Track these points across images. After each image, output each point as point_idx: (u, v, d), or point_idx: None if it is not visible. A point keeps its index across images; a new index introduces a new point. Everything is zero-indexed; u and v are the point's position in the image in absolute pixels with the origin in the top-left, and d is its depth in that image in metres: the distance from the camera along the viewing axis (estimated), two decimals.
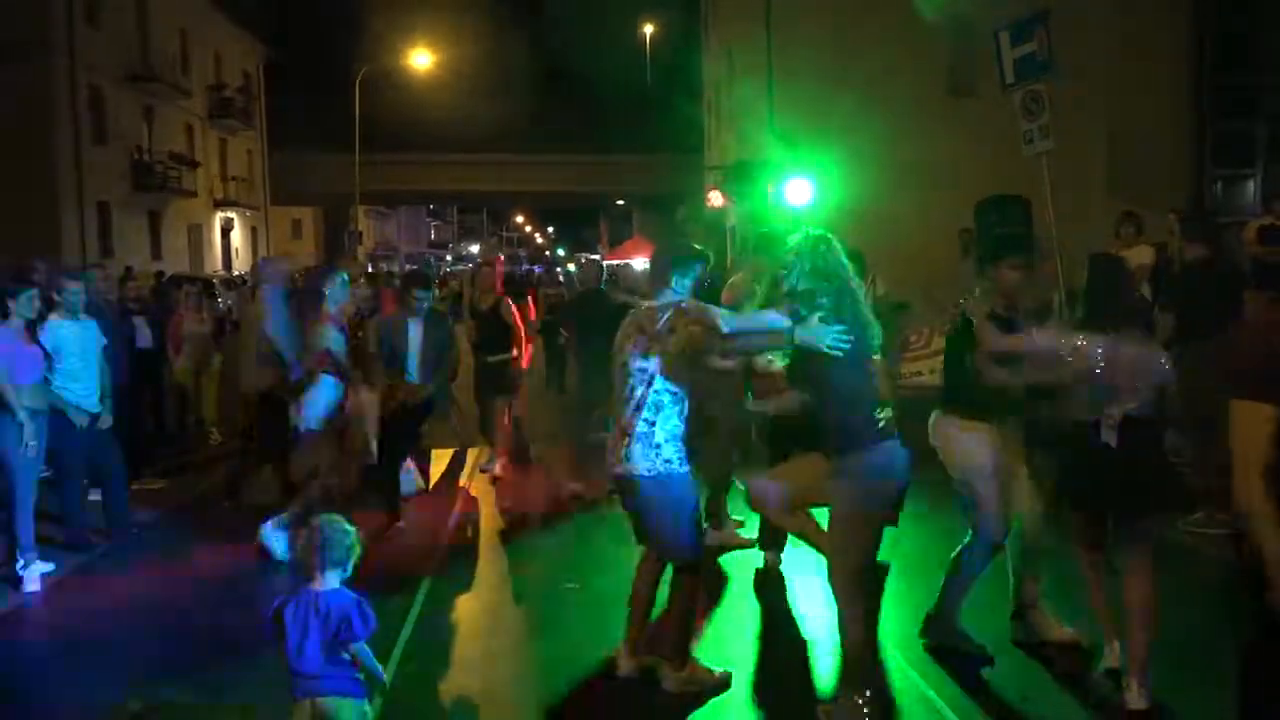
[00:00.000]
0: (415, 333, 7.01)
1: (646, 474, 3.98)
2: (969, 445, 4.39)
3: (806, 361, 3.73)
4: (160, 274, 16.97)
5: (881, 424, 3.70)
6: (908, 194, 15.84)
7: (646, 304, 4.19)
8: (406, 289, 7.49)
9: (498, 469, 8.40)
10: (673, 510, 4.06)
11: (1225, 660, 4.46)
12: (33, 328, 6.09)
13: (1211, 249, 6.43)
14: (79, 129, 24.65)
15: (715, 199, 14.01)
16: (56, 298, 6.32)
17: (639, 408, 3.99)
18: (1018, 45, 9.16)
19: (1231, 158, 18.10)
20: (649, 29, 42.33)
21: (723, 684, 4.24)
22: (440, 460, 8.68)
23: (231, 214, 35.48)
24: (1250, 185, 18.11)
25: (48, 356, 6.10)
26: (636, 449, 3.97)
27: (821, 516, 4.11)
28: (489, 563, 6.26)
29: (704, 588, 4.57)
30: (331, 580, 3.13)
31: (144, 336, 9.33)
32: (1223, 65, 17.71)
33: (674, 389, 4.02)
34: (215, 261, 32.73)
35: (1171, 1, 17.53)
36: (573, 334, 8.81)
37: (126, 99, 27.39)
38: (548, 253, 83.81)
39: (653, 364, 3.99)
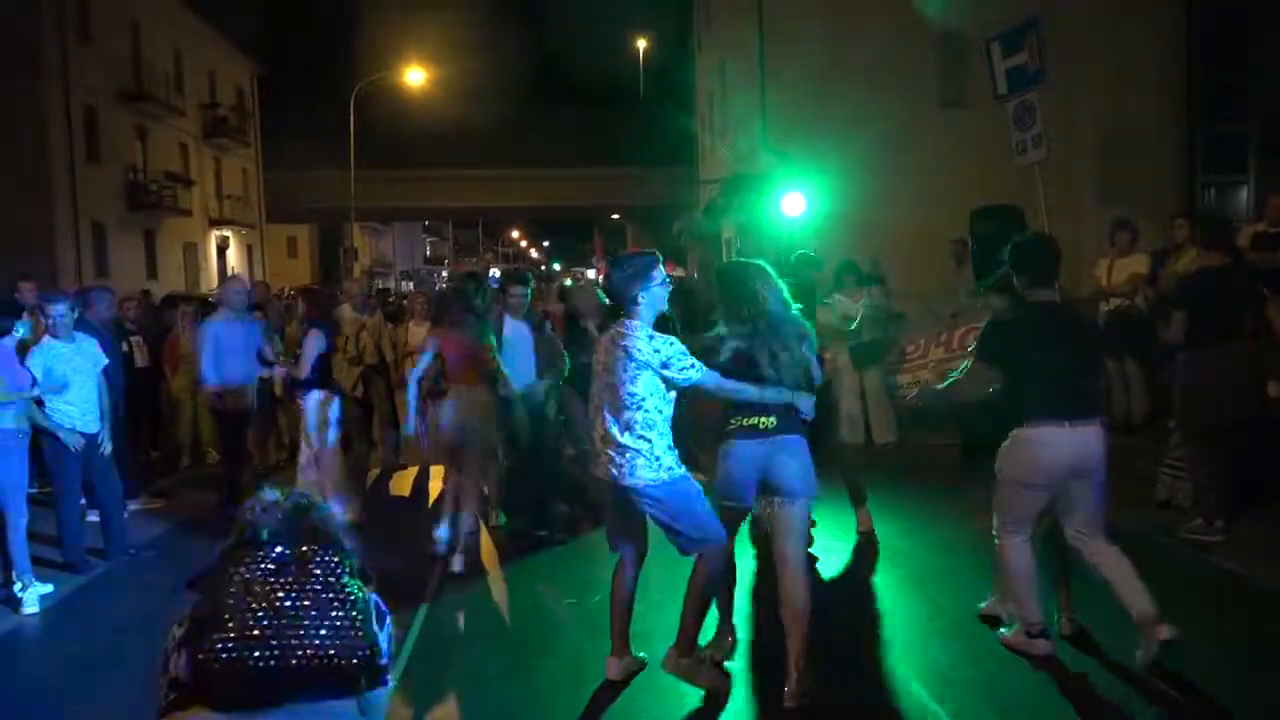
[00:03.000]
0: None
1: (652, 484, 4.15)
2: None
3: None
4: (146, 292, 16.86)
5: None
6: (901, 205, 15.89)
7: (625, 325, 4.22)
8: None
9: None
10: (684, 505, 4.21)
11: (1222, 664, 4.47)
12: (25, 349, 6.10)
13: (1230, 256, 6.40)
14: (73, 149, 24.68)
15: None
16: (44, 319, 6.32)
17: (630, 426, 4.13)
18: (1009, 56, 9.21)
19: (1223, 163, 18.14)
20: (643, 43, 42.48)
21: (716, 686, 4.29)
22: (438, 477, 8.66)
23: (227, 232, 35.49)
24: (1243, 191, 18.15)
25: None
26: (640, 463, 4.14)
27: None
28: (487, 580, 6.24)
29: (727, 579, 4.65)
30: None
31: (140, 356, 9.32)
32: (1214, 70, 17.77)
33: (663, 405, 4.19)
34: (211, 280, 32.70)
35: (1161, 5, 17.61)
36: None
37: (120, 118, 27.43)
38: (543, 267, 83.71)
39: (642, 387, 4.13)
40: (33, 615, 5.72)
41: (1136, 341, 8.62)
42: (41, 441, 6.25)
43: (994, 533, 4.63)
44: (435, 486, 8.50)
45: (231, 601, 1.41)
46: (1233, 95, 17.88)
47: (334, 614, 1.44)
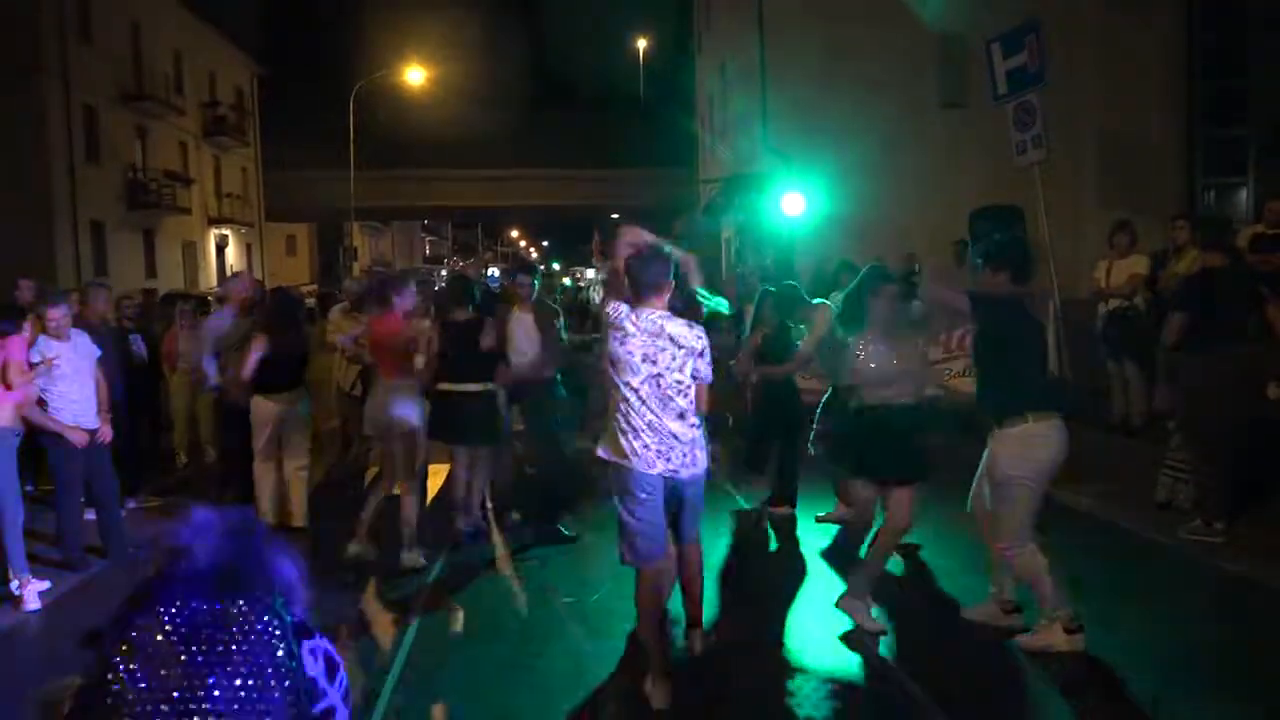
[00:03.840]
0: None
1: (706, 469, 4.31)
2: None
3: None
4: (151, 291, 16.86)
5: None
6: (901, 205, 15.91)
7: (655, 312, 4.15)
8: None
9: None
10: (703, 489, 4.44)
11: (1223, 665, 4.47)
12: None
13: (1229, 257, 6.40)
14: (73, 149, 24.67)
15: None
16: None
17: (684, 415, 4.14)
18: (1009, 57, 9.21)
19: (1222, 166, 18.13)
20: (643, 44, 42.51)
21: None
22: (436, 475, 8.66)
23: (226, 231, 35.47)
24: (1242, 193, 18.15)
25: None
26: (699, 453, 4.22)
27: None
28: (486, 579, 6.24)
29: None
30: None
31: (140, 354, 9.29)
32: (1214, 73, 17.77)
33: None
34: (210, 279, 32.66)
35: (1161, 9, 17.62)
36: None
37: (120, 118, 27.42)
38: (542, 267, 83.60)
39: (688, 374, 4.15)
40: (35, 610, 5.73)
41: (1136, 342, 8.62)
42: (43, 440, 6.24)
43: (1004, 548, 4.61)
44: (434, 485, 8.49)
45: (128, 679, 1.07)
46: (1232, 98, 17.88)
47: (253, 697, 1.08)
